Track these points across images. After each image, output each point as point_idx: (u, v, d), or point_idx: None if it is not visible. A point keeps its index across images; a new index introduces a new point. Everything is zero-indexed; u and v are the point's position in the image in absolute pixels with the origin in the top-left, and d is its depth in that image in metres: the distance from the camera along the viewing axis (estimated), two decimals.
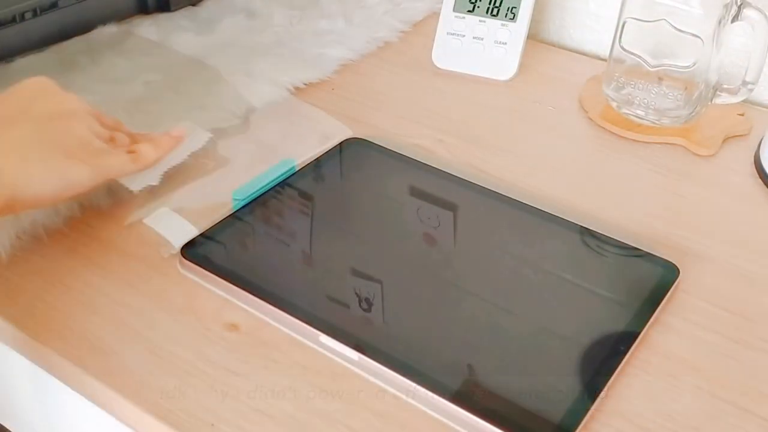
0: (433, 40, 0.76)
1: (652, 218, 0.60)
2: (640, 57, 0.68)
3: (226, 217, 0.57)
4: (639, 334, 0.49)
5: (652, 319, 0.50)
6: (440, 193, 0.61)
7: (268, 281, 0.51)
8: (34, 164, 0.48)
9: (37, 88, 0.53)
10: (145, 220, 0.55)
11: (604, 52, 0.72)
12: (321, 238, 0.57)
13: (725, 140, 0.68)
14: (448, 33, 0.76)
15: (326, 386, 0.46)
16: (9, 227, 0.53)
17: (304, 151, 0.63)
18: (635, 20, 0.67)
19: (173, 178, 0.58)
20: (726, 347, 0.50)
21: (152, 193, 0.57)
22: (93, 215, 0.57)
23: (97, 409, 0.48)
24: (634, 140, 0.68)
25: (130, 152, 0.54)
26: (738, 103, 0.68)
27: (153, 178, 0.56)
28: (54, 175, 0.49)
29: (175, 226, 0.55)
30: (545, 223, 0.57)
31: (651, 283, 0.52)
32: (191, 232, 0.55)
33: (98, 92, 0.66)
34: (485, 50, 0.75)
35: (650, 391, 0.47)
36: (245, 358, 0.48)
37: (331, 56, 0.76)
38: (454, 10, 0.76)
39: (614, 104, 0.70)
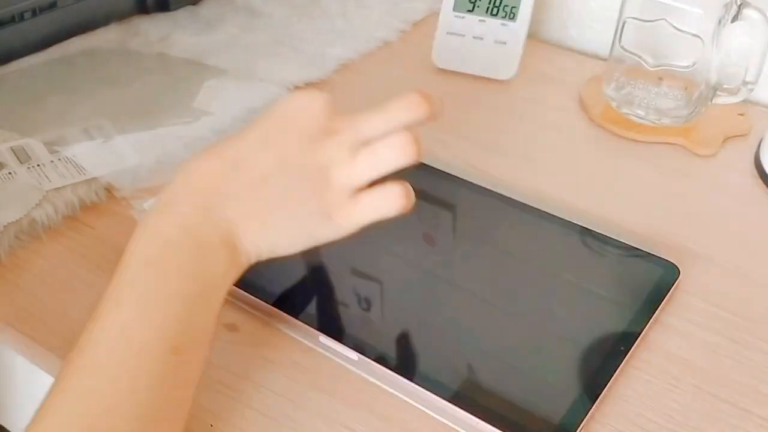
0: (433, 40, 0.76)
1: (652, 218, 0.59)
2: (640, 57, 0.68)
3: None
4: (639, 334, 0.49)
5: (652, 320, 0.50)
6: (440, 193, 0.60)
7: (268, 281, 0.51)
8: (278, 232, 0.44)
9: (300, 108, 0.45)
10: (146, 205, 0.54)
11: (604, 52, 0.72)
12: None
13: (725, 140, 0.68)
14: (448, 32, 0.76)
15: (326, 386, 0.46)
16: (9, 227, 0.53)
17: None
18: (635, 20, 0.67)
19: (171, 177, 0.58)
20: (726, 347, 0.50)
21: (151, 191, 0.56)
22: (93, 215, 0.57)
23: None
24: (634, 140, 0.68)
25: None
26: (738, 103, 0.68)
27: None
28: (301, 239, 0.45)
29: None
30: (545, 223, 0.57)
31: (651, 283, 0.52)
32: None
33: (98, 93, 0.66)
34: (485, 50, 0.75)
35: (650, 391, 0.47)
36: (245, 358, 0.48)
37: (331, 56, 0.76)
38: (454, 10, 0.76)
39: (614, 104, 0.70)
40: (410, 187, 0.45)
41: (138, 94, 0.68)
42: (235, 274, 0.44)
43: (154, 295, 0.40)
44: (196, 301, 0.41)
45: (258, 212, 0.43)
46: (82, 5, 0.74)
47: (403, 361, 0.46)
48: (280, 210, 0.44)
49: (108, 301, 0.41)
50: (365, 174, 0.44)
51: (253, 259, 0.44)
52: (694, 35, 0.64)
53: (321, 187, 0.44)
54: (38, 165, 0.58)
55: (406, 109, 0.45)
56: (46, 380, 0.51)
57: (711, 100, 0.68)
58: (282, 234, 0.44)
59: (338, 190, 0.44)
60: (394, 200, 0.45)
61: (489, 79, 0.75)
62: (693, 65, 0.66)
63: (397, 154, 0.45)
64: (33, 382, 0.57)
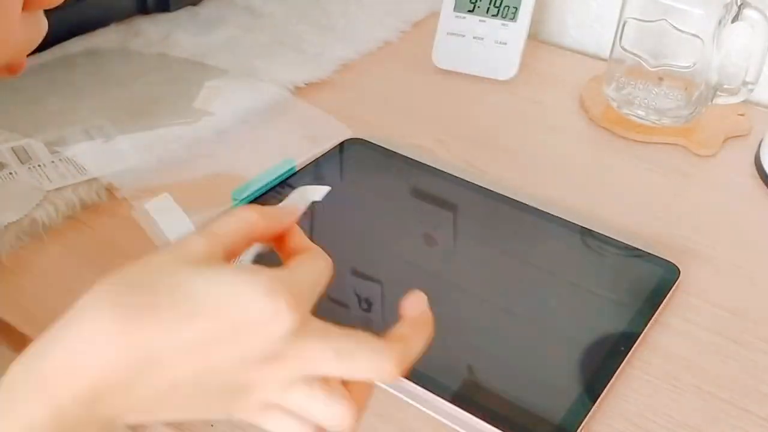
0: (434, 40, 0.76)
1: (652, 218, 0.59)
2: (640, 57, 0.68)
3: None
4: (639, 334, 0.49)
5: (652, 320, 0.50)
6: (440, 193, 0.61)
7: None
8: (169, 415, 0.36)
9: (261, 324, 0.34)
10: (146, 205, 0.54)
11: (605, 52, 0.72)
12: (321, 238, 0.57)
13: (725, 140, 0.68)
14: (448, 33, 0.76)
15: None
16: (10, 227, 0.53)
17: (304, 151, 0.63)
18: (635, 20, 0.67)
19: (173, 177, 0.58)
20: (726, 347, 0.50)
21: (151, 191, 0.56)
22: (93, 215, 0.57)
23: None
24: (634, 140, 0.68)
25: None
26: (738, 103, 0.68)
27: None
28: (186, 417, 0.37)
29: (172, 218, 0.54)
30: (545, 224, 0.57)
31: (651, 283, 0.52)
32: (188, 227, 0.54)
33: (98, 93, 0.66)
34: (485, 50, 0.75)
35: (650, 391, 0.47)
36: None
37: (331, 56, 0.76)
38: (454, 10, 0.76)
39: (615, 104, 0.70)
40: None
41: (138, 94, 0.68)
42: None
43: None
44: None
45: (152, 410, 0.35)
46: (83, 5, 0.74)
47: None
48: (176, 410, 0.36)
49: None
50: (290, 410, 0.36)
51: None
52: (694, 35, 0.64)
53: (232, 403, 0.36)
54: (39, 165, 0.58)
55: (372, 369, 0.36)
56: None
57: (711, 101, 0.68)
58: (168, 417, 0.36)
59: (251, 404, 0.36)
60: None
61: (489, 79, 0.75)
62: (693, 65, 0.66)
63: (330, 420, 0.36)
64: None
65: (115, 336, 0.33)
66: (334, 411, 0.36)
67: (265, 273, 0.34)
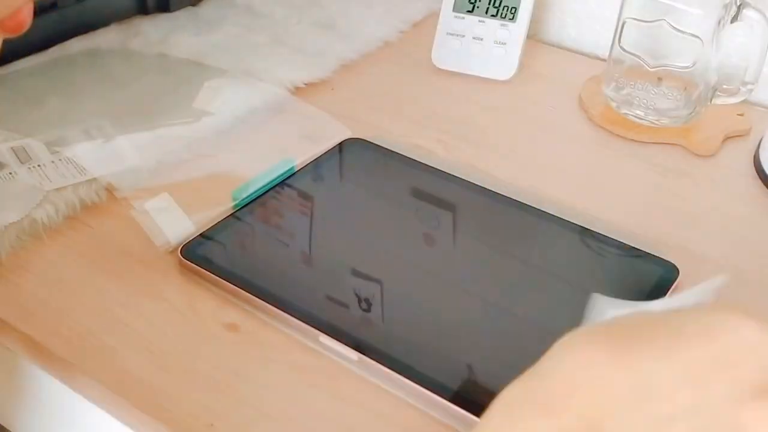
0: (433, 40, 0.76)
1: (651, 218, 0.60)
2: (639, 57, 0.68)
3: (226, 217, 0.57)
4: None
5: None
6: (440, 193, 0.61)
7: (268, 281, 0.51)
8: None
9: (750, 350, 0.34)
10: (146, 205, 0.54)
11: (604, 52, 0.72)
12: (321, 238, 0.57)
13: (725, 140, 0.68)
14: (447, 33, 0.76)
15: (326, 386, 0.46)
16: (10, 228, 0.53)
17: (303, 151, 0.63)
18: (635, 20, 0.67)
19: (172, 176, 0.58)
20: None
21: (151, 191, 0.56)
22: (92, 215, 0.57)
23: (96, 409, 0.48)
24: (633, 140, 0.68)
25: None
26: (738, 103, 0.68)
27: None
28: None
29: (172, 218, 0.54)
30: (545, 224, 0.57)
31: (650, 283, 0.52)
32: (188, 226, 0.55)
33: (98, 93, 0.66)
34: (485, 50, 0.75)
35: None
36: (245, 358, 0.48)
37: (331, 56, 0.76)
38: (453, 10, 0.76)
39: (614, 104, 0.70)
40: None
41: (138, 94, 0.68)
42: None
43: None
44: None
45: None
46: (83, 5, 0.74)
47: (403, 360, 0.46)
48: None
49: None
50: None
51: None
52: (694, 36, 0.64)
53: None
54: (39, 165, 0.58)
55: None
56: (46, 381, 0.51)
57: (710, 101, 0.68)
58: None
59: None
60: None
61: (488, 80, 0.76)
62: (692, 66, 0.66)
63: None
64: (33, 382, 0.57)
65: (613, 359, 0.33)
66: None
67: None
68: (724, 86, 0.67)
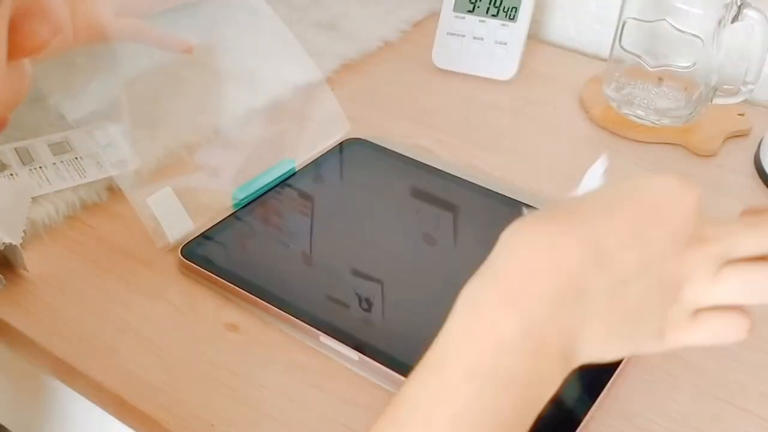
0: (434, 40, 0.76)
1: None
2: (640, 57, 0.68)
3: (226, 217, 0.57)
4: None
5: None
6: (440, 193, 0.61)
7: (268, 281, 0.51)
8: (614, 343, 0.37)
9: (674, 202, 0.37)
10: (147, 200, 0.54)
11: (604, 52, 0.72)
12: (321, 238, 0.57)
13: (725, 140, 0.68)
14: (448, 33, 0.76)
15: (326, 386, 0.46)
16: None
17: (303, 151, 0.63)
18: (635, 20, 0.67)
19: (172, 177, 0.58)
20: (726, 347, 0.49)
21: (151, 190, 0.56)
22: (94, 215, 0.57)
23: (96, 409, 0.48)
24: (634, 140, 0.68)
25: None
26: (738, 103, 0.68)
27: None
28: (625, 350, 0.39)
29: (173, 215, 0.54)
30: None
31: None
32: (188, 225, 0.55)
33: (98, 94, 0.66)
34: (485, 50, 0.75)
35: (650, 391, 0.47)
36: (245, 358, 0.48)
37: (331, 55, 0.76)
38: (454, 10, 0.76)
39: (614, 104, 0.70)
40: (752, 320, 0.38)
41: (138, 94, 0.68)
42: (559, 384, 0.36)
43: (470, 423, 0.33)
44: (518, 423, 0.34)
45: (605, 322, 0.36)
46: None
47: (403, 360, 0.46)
48: (624, 322, 0.37)
49: (409, 409, 0.34)
50: (722, 298, 0.38)
51: (577, 366, 0.37)
52: (694, 35, 0.64)
53: (669, 301, 0.37)
54: (40, 167, 0.58)
55: None
56: (45, 380, 0.51)
57: (711, 101, 0.68)
58: (613, 345, 0.37)
59: (683, 306, 0.37)
60: (735, 332, 0.38)
61: (489, 79, 0.75)
62: (693, 65, 0.66)
63: None
64: (32, 381, 0.57)
65: (559, 234, 0.35)
66: None
67: None
68: (725, 86, 0.67)
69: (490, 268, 0.36)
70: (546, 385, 0.35)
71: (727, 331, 0.38)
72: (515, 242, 0.36)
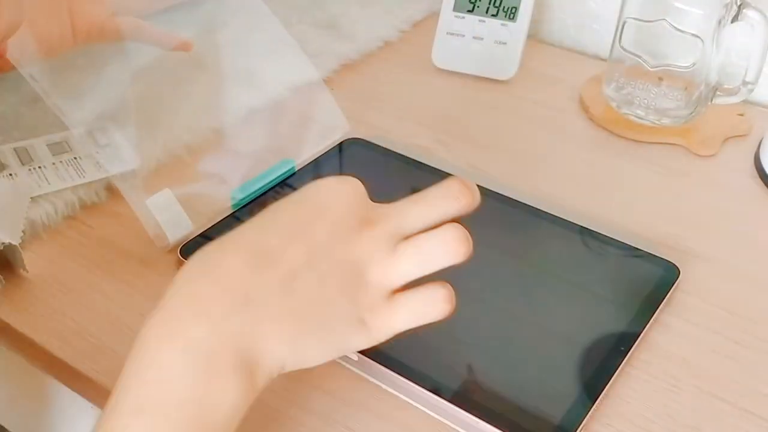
0: (433, 40, 0.76)
1: (652, 218, 0.59)
2: (640, 57, 0.68)
3: (225, 217, 0.57)
4: (639, 334, 0.49)
5: (652, 320, 0.50)
6: None
7: None
8: (305, 343, 0.38)
9: (333, 196, 0.40)
10: (147, 201, 0.54)
11: (604, 52, 0.72)
12: None
13: (725, 140, 0.68)
14: (448, 33, 0.76)
15: (326, 386, 0.46)
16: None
17: (303, 151, 0.63)
18: (635, 20, 0.67)
19: (172, 176, 0.58)
20: (726, 347, 0.50)
21: (151, 190, 0.56)
22: (93, 215, 0.57)
23: (96, 409, 0.48)
24: (634, 140, 0.68)
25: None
26: (738, 103, 0.68)
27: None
28: (329, 350, 0.39)
29: (173, 216, 0.54)
30: (545, 224, 0.57)
31: (651, 283, 0.52)
32: (188, 226, 0.55)
33: (98, 93, 0.66)
34: (485, 50, 0.75)
35: (650, 391, 0.47)
36: None
37: (331, 55, 0.76)
38: (454, 10, 0.76)
39: (614, 104, 0.70)
40: (452, 289, 0.40)
41: (138, 94, 0.68)
42: (250, 400, 0.36)
43: None
44: None
45: (284, 321, 0.36)
46: None
47: (403, 361, 0.46)
48: (309, 317, 0.37)
49: None
50: (407, 273, 0.39)
51: (275, 375, 0.37)
52: (694, 35, 0.64)
53: (354, 287, 0.38)
54: (39, 167, 0.58)
55: (448, 198, 0.40)
56: (44, 380, 0.51)
57: (711, 101, 0.68)
58: (309, 345, 0.37)
59: (373, 290, 0.38)
60: (436, 305, 0.40)
61: (489, 79, 0.75)
62: (693, 65, 0.66)
63: (445, 252, 0.39)
64: (31, 381, 0.57)
65: (221, 249, 0.37)
66: (444, 240, 0.39)
67: None
68: (725, 86, 0.67)
69: (158, 306, 0.36)
70: (223, 406, 0.34)
71: (427, 306, 0.40)
72: (179, 276, 0.37)
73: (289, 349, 0.37)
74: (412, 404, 0.45)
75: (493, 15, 0.75)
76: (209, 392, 0.34)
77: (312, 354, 0.38)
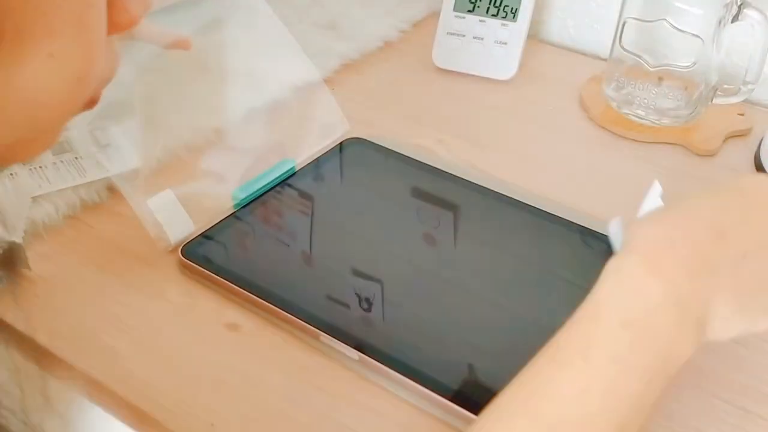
0: (434, 40, 0.76)
1: None
2: (640, 57, 0.68)
3: (226, 217, 0.57)
4: None
5: None
6: (440, 193, 0.61)
7: (269, 281, 0.51)
8: (749, 315, 0.40)
9: None
10: (148, 201, 0.54)
11: (604, 52, 0.72)
12: (321, 238, 0.57)
13: (725, 140, 0.68)
14: (448, 33, 0.76)
15: (326, 386, 0.46)
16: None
17: (303, 151, 0.63)
18: (635, 20, 0.67)
19: (173, 176, 0.58)
20: (726, 347, 0.50)
21: (152, 190, 0.56)
22: (94, 215, 0.57)
23: (96, 408, 0.48)
24: (634, 140, 0.68)
25: None
26: (738, 103, 0.68)
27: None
28: (758, 324, 0.41)
29: (174, 217, 0.54)
30: (545, 223, 0.57)
31: None
32: (189, 226, 0.55)
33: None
34: (485, 50, 0.75)
35: None
36: (245, 358, 0.48)
37: (331, 55, 0.76)
38: (454, 10, 0.76)
39: (614, 104, 0.70)
40: None
41: (139, 94, 0.68)
42: (687, 357, 0.38)
43: (624, 366, 0.36)
44: (656, 381, 0.37)
45: (736, 292, 0.39)
46: None
47: (404, 360, 0.46)
48: (755, 293, 0.39)
49: (569, 349, 0.37)
50: None
51: (708, 340, 0.39)
52: (694, 35, 0.64)
53: None
54: (40, 167, 0.58)
55: None
56: (45, 380, 0.51)
57: (711, 100, 0.68)
58: (737, 321, 0.39)
59: None
60: None
61: (489, 79, 0.75)
62: (693, 65, 0.66)
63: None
64: (32, 381, 0.57)
65: (682, 218, 0.41)
66: None
67: None
68: (725, 86, 0.67)
69: (626, 246, 0.39)
70: (681, 354, 0.37)
71: None
72: (643, 227, 0.40)
73: (724, 323, 0.39)
74: (412, 403, 0.45)
75: (493, 15, 0.75)
76: (678, 339, 0.37)
77: (730, 330, 0.39)
